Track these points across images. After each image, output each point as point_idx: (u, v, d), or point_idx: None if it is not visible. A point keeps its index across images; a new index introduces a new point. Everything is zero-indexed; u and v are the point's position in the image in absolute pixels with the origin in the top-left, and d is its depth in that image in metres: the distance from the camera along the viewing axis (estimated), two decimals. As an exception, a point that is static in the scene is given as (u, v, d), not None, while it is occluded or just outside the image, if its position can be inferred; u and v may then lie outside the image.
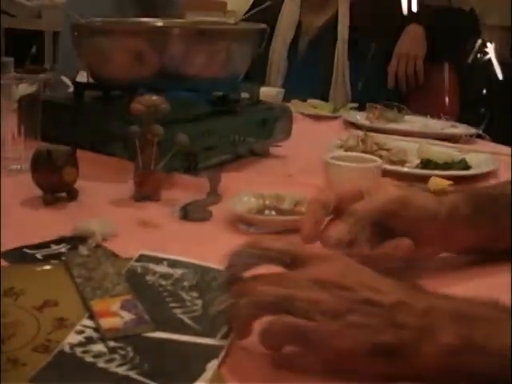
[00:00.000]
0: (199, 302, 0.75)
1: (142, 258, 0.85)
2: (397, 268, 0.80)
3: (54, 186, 1.03)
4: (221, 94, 1.36)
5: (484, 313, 0.61)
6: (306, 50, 2.39)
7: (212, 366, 0.63)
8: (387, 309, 0.60)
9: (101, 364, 0.63)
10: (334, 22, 2.36)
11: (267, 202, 1.03)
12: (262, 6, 1.44)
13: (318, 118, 1.85)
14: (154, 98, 1.05)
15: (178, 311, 0.73)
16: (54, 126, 1.25)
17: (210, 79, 1.30)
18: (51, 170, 1.02)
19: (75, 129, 1.26)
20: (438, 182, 1.21)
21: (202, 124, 1.23)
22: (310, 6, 2.42)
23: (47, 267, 0.83)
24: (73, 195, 1.05)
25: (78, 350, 0.65)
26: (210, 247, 0.90)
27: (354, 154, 1.26)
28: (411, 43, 2.32)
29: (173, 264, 0.83)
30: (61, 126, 1.27)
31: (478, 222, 0.84)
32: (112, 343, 0.66)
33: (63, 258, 0.84)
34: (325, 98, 2.20)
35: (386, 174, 1.23)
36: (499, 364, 0.58)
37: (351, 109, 1.94)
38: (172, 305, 0.75)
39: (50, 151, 1.02)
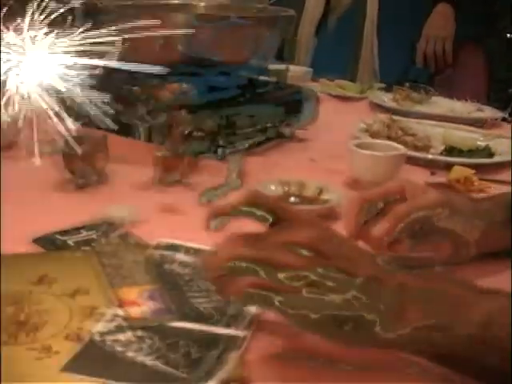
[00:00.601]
0: None
1: (161, 246, 0.87)
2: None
3: (85, 172, 1.06)
4: (249, 78, 1.37)
5: (451, 291, 0.63)
6: (334, 29, 2.39)
7: (234, 356, 0.66)
8: (360, 281, 0.62)
9: (130, 353, 0.66)
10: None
11: (291, 190, 1.04)
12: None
13: (344, 98, 1.85)
14: (182, 85, 1.07)
15: (196, 301, 0.76)
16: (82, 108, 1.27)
17: (237, 64, 1.31)
18: (82, 157, 1.04)
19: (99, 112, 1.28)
20: (461, 170, 1.22)
21: (229, 109, 1.24)
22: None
23: (78, 254, 0.86)
24: (102, 180, 1.08)
25: (108, 339, 0.67)
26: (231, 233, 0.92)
27: (378, 141, 1.27)
28: (440, 23, 2.31)
29: (191, 252, 0.86)
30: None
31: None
32: (140, 332, 0.69)
33: (94, 245, 0.87)
34: (353, 77, 2.20)
35: (410, 160, 1.25)
36: (466, 341, 0.60)
37: (378, 89, 1.94)
38: (190, 294, 0.77)
39: (82, 137, 1.04)
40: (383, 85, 1.98)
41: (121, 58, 1.36)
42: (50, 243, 0.88)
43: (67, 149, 1.05)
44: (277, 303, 0.61)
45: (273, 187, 1.04)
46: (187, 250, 0.86)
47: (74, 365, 0.63)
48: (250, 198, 0.69)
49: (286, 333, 0.70)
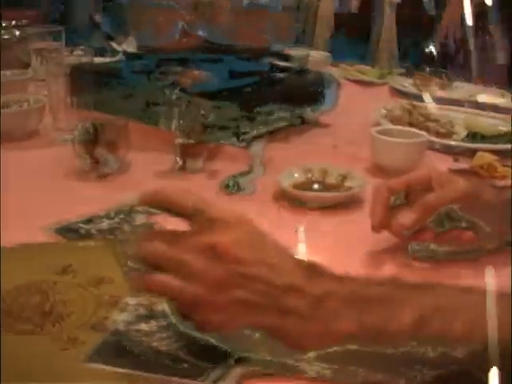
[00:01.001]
0: None
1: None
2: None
3: (107, 160, 1.05)
4: (270, 63, 1.36)
5: (380, 294, 0.61)
6: (355, 12, 2.37)
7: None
8: (278, 291, 0.60)
9: (154, 343, 0.65)
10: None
11: (314, 176, 1.04)
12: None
13: (364, 83, 1.83)
14: (201, 72, 1.06)
15: None
16: (103, 95, 1.27)
17: (259, 50, 1.30)
18: (103, 144, 1.04)
19: (124, 99, 1.28)
20: (484, 156, 1.20)
21: (251, 95, 1.24)
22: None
23: (102, 243, 0.86)
24: (124, 168, 1.08)
25: (132, 329, 0.67)
26: (254, 222, 0.91)
27: (400, 127, 1.26)
28: (461, 4, 2.28)
29: None
30: (110, 96, 1.29)
31: None
32: (163, 322, 0.69)
33: (117, 234, 0.87)
34: (372, 61, 2.18)
35: (432, 146, 1.24)
36: (400, 344, 0.60)
37: (398, 75, 1.92)
38: None
39: (103, 125, 1.04)
40: (403, 70, 1.96)
41: (142, 45, 1.37)
42: (73, 232, 0.88)
43: (89, 136, 1.05)
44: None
45: (296, 174, 1.04)
46: None
47: (99, 355, 0.63)
48: (173, 197, 0.66)
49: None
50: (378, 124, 1.33)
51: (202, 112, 1.06)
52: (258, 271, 0.60)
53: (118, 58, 1.45)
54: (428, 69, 1.87)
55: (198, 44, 1.25)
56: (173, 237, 0.63)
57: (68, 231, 0.88)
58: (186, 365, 0.63)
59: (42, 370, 0.62)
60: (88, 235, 0.88)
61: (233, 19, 1.25)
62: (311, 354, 0.63)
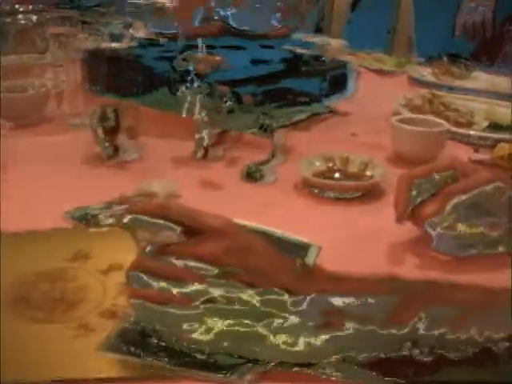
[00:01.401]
0: None
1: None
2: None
3: (125, 146, 1.04)
4: (292, 51, 1.34)
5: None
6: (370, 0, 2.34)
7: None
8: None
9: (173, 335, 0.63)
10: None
11: (335, 165, 1.02)
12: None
13: (382, 72, 1.81)
14: (217, 57, 1.04)
15: None
16: (121, 82, 1.24)
17: (280, 37, 1.28)
18: (114, 128, 1.02)
19: (143, 86, 1.25)
20: (504, 147, 1.18)
21: (273, 83, 1.21)
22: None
23: (111, 229, 0.84)
24: (142, 154, 1.06)
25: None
26: (272, 212, 0.90)
27: (421, 116, 1.23)
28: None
29: None
30: (124, 82, 1.26)
31: None
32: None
33: (126, 220, 0.85)
34: (390, 49, 2.15)
35: (452, 136, 1.21)
36: None
37: (417, 63, 1.89)
38: None
39: (116, 109, 1.02)
40: (422, 59, 1.93)
41: (164, 31, 1.35)
42: (83, 217, 0.86)
43: (110, 122, 1.03)
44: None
45: (317, 162, 1.02)
46: None
47: (112, 344, 0.61)
48: (157, 209, 0.67)
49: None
50: (398, 113, 1.31)
51: (224, 100, 1.04)
52: (249, 278, 0.62)
53: (135, 43, 1.42)
54: (446, 58, 1.83)
55: (220, 30, 1.22)
56: (163, 249, 0.66)
57: (78, 217, 0.86)
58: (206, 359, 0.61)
59: (53, 357, 0.60)
60: (97, 221, 0.85)
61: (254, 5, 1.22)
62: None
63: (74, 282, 0.71)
